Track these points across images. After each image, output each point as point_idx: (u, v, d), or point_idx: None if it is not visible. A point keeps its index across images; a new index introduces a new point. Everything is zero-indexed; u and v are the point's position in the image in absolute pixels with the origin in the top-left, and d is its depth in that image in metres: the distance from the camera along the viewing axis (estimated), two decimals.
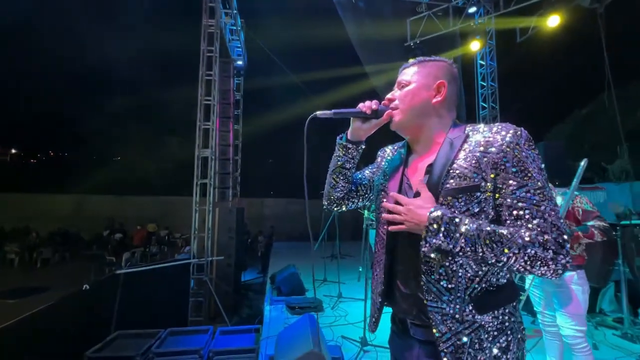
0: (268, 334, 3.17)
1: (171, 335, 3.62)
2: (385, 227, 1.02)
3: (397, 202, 0.92)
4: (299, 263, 6.70)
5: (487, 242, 0.77)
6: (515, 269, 0.78)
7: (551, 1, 5.29)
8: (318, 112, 1.02)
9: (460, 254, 0.81)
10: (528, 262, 0.75)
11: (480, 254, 0.78)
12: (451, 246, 0.80)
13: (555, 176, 2.33)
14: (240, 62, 8.96)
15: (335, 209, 1.21)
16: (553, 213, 0.78)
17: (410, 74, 1.01)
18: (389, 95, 1.05)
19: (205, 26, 5.94)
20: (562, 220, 0.79)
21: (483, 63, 7.38)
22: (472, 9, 6.43)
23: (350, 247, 7.65)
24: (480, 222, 0.81)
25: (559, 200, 2.08)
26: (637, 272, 3.10)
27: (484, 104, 7.37)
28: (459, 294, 0.84)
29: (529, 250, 0.75)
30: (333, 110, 1.02)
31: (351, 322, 3.49)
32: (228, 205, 7.43)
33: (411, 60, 1.06)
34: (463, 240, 0.79)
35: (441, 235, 0.81)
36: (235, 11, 7.70)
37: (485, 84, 7.35)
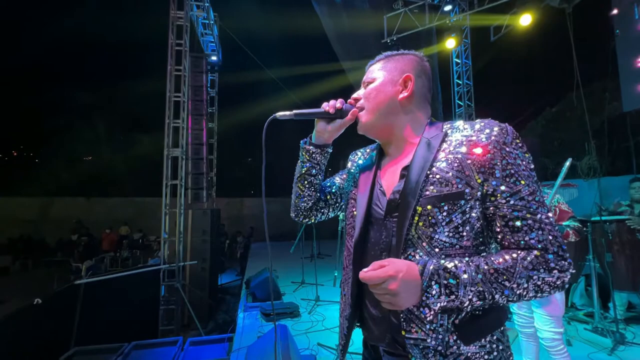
0: (240, 345, 2.99)
1: (136, 349, 3.37)
2: (352, 239, 0.90)
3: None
4: (278, 264, 6.53)
5: (495, 286, 0.68)
6: (524, 300, 0.70)
7: (523, 0, 5.37)
8: (278, 114, 0.92)
9: (469, 308, 0.70)
10: (538, 291, 0.69)
11: (490, 302, 0.69)
12: (458, 303, 0.68)
13: None
14: (214, 58, 8.61)
15: (304, 221, 1.10)
16: (548, 221, 0.71)
17: (375, 70, 0.93)
18: (354, 95, 0.96)
19: (173, 18, 5.62)
20: (556, 228, 0.71)
21: (459, 61, 7.45)
22: (448, 7, 6.45)
23: (330, 247, 7.55)
24: (471, 261, 0.70)
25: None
26: (606, 267, 3.16)
27: (460, 102, 7.46)
28: (441, 322, 0.72)
29: (535, 280, 0.68)
30: (294, 111, 0.93)
31: (328, 328, 3.37)
32: (203, 206, 7.14)
33: (377, 56, 0.96)
34: (470, 293, 0.68)
35: (443, 296, 0.68)
36: (207, 4, 7.35)
37: (460, 82, 7.43)
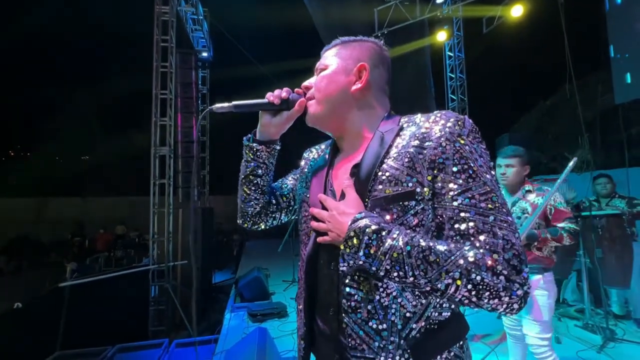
0: (223, 347, 2.93)
1: (120, 352, 3.31)
2: (306, 247, 0.81)
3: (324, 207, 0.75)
4: (270, 263, 6.47)
5: (419, 263, 0.57)
6: (457, 300, 0.58)
7: None
8: (215, 106, 0.83)
9: (386, 279, 0.61)
10: (473, 292, 0.56)
11: (411, 280, 0.58)
12: (374, 268, 0.61)
13: None
14: (205, 54, 8.49)
15: (254, 227, 1.00)
16: (505, 225, 0.59)
17: (329, 56, 0.84)
18: (305, 83, 0.87)
19: (158, 13, 5.48)
20: (517, 235, 0.60)
21: (451, 55, 7.35)
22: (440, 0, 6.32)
23: None
24: (414, 235, 0.61)
25: (539, 200, 1.88)
26: (597, 262, 3.10)
27: (453, 96, 7.37)
28: (392, 338, 0.65)
29: (473, 276, 0.55)
30: (233, 103, 0.83)
31: None
32: (196, 205, 7.07)
33: (334, 41, 0.87)
34: (388, 261, 0.59)
35: (361, 253, 0.62)
36: None
37: (453, 76, 7.33)
